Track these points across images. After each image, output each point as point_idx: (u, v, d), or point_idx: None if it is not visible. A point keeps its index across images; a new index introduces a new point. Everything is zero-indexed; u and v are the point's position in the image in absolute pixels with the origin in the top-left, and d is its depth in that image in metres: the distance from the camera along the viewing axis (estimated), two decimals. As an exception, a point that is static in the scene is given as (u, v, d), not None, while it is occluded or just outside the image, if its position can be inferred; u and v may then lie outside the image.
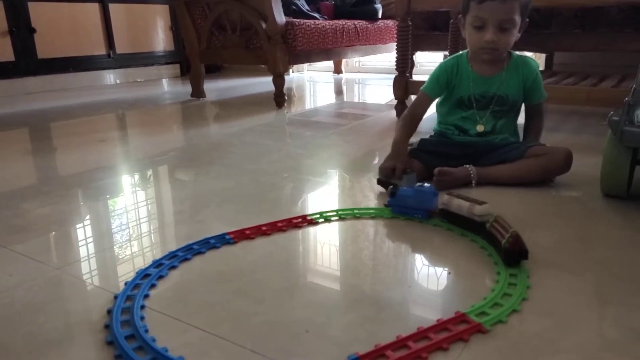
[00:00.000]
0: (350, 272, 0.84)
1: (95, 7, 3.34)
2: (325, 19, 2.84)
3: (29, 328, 0.68)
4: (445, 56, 2.63)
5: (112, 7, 3.42)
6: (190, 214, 1.10)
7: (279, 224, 0.99)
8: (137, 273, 0.80)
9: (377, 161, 1.53)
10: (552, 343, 0.63)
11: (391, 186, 1.06)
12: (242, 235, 0.95)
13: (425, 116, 1.35)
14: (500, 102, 1.29)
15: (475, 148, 1.28)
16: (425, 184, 1.04)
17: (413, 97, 2.31)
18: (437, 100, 1.37)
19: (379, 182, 1.19)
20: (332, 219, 1.04)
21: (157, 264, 0.84)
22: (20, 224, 1.04)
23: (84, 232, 1.03)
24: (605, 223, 1.02)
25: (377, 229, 1.01)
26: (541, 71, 1.48)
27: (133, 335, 0.64)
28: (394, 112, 2.18)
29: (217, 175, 1.37)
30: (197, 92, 2.79)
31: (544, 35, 2.31)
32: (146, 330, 0.65)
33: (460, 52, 1.35)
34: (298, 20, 2.48)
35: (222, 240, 0.93)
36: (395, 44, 2.06)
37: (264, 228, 0.97)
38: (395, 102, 2.15)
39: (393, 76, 2.10)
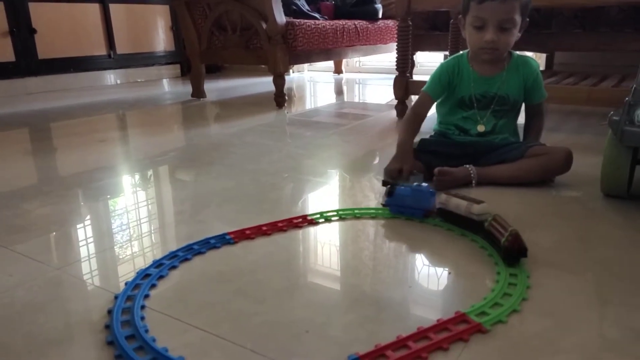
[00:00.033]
0: (350, 272, 0.84)
1: (95, 8, 3.34)
2: (326, 19, 2.84)
3: (29, 328, 0.68)
4: (445, 56, 2.63)
5: (113, 8, 3.42)
6: (190, 214, 1.10)
7: (280, 224, 0.99)
8: (137, 273, 0.80)
9: (377, 161, 1.53)
10: (552, 343, 0.63)
11: (388, 185, 1.06)
12: (243, 235, 0.95)
13: (425, 116, 1.35)
14: (501, 102, 1.29)
15: (476, 148, 1.28)
16: (423, 184, 1.05)
17: (413, 97, 2.32)
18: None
19: (385, 183, 1.19)
20: (333, 219, 1.04)
21: (157, 264, 0.84)
22: (21, 224, 1.04)
23: (84, 232, 1.03)
24: (606, 223, 1.02)
25: (377, 229, 1.01)
26: (541, 71, 1.48)
27: (133, 335, 0.64)
28: (394, 112, 2.18)
29: (218, 175, 1.37)
30: (198, 92, 2.79)
31: (544, 35, 2.31)
32: (146, 331, 0.65)
33: (461, 52, 1.35)
34: (298, 20, 2.48)
35: (223, 240, 0.93)
36: (396, 44, 2.06)
37: (264, 228, 0.97)
38: (395, 102, 2.15)
39: (393, 76, 2.10)
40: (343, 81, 3.71)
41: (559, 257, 0.86)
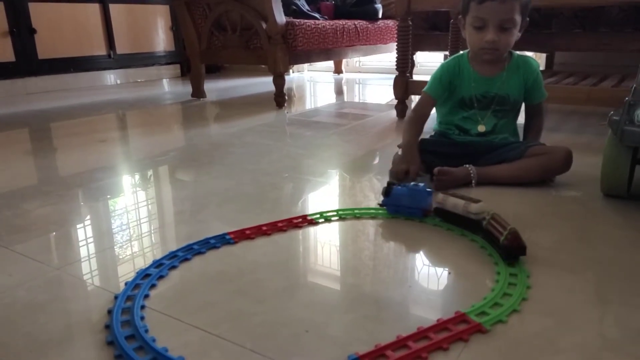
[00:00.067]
0: (350, 272, 0.84)
1: (95, 8, 3.34)
2: (326, 19, 2.84)
3: (30, 328, 0.68)
4: (445, 56, 2.64)
5: (113, 8, 3.42)
6: (190, 213, 1.10)
7: (280, 224, 0.99)
8: (137, 273, 0.80)
9: (377, 161, 1.53)
10: (552, 343, 0.63)
11: (385, 185, 1.05)
12: (243, 235, 0.95)
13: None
14: (501, 102, 1.29)
15: (476, 148, 1.28)
16: (420, 183, 1.05)
17: (413, 97, 2.32)
18: (437, 100, 1.37)
19: (390, 185, 1.18)
20: (333, 219, 1.04)
21: (157, 264, 0.84)
22: (21, 224, 1.04)
23: (84, 232, 1.03)
24: (605, 223, 1.02)
25: (377, 229, 1.01)
26: (541, 71, 1.48)
27: (133, 335, 0.64)
28: (394, 112, 2.18)
29: (218, 175, 1.37)
30: (198, 92, 2.79)
31: (544, 35, 2.31)
32: (146, 331, 0.66)
33: (461, 52, 1.35)
34: (298, 20, 2.48)
35: (223, 240, 0.93)
36: (396, 44, 2.06)
37: (264, 228, 0.97)
38: (395, 102, 2.15)
39: (393, 76, 2.10)
40: (343, 81, 3.71)
41: (558, 257, 0.86)
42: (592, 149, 1.52)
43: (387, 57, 3.71)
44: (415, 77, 2.35)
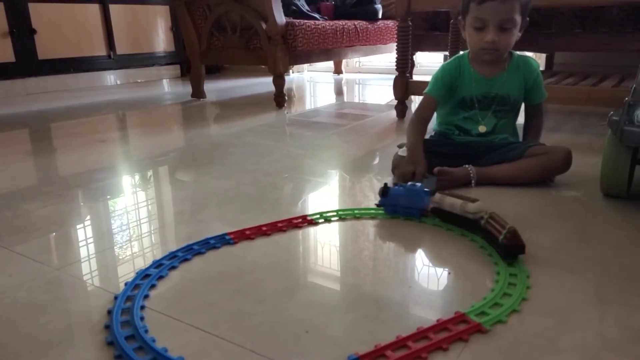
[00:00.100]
0: (350, 272, 0.84)
1: (95, 8, 3.34)
2: (326, 20, 2.85)
3: (30, 328, 0.68)
4: (445, 56, 2.64)
5: (113, 8, 3.42)
6: (190, 214, 1.10)
7: (279, 224, 0.99)
8: (137, 273, 0.80)
9: (377, 161, 1.53)
10: (552, 343, 0.63)
11: (382, 185, 1.05)
12: (243, 235, 0.95)
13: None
14: (502, 102, 1.29)
15: (476, 148, 1.28)
16: (417, 183, 1.04)
17: (413, 97, 2.33)
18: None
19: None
20: (332, 219, 1.04)
21: (157, 264, 0.84)
22: (21, 225, 1.04)
23: (84, 232, 1.03)
24: (605, 223, 1.02)
25: (377, 229, 1.01)
26: (541, 71, 1.48)
27: (133, 335, 0.64)
28: (394, 113, 2.18)
29: (218, 176, 1.37)
30: (198, 93, 2.79)
31: (544, 35, 2.31)
32: (146, 331, 0.66)
33: (461, 52, 1.35)
34: (298, 20, 2.48)
35: (222, 240, 0.93)
36: (396, 44, 2.06)
37: (264, 228, 0.97)
38: (395, 102, 2.15)
39: (393, 76, 2.10)
40: (343, 81, 3.71)
41: (558, 257, 0.86)
42: (592, 149, 1.52)
43: (387, 57, 3.71)
44: (415, 78, 2.35)
